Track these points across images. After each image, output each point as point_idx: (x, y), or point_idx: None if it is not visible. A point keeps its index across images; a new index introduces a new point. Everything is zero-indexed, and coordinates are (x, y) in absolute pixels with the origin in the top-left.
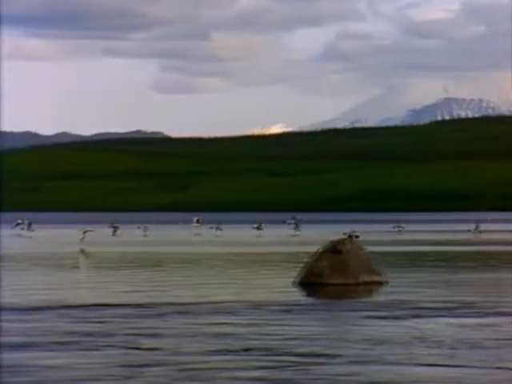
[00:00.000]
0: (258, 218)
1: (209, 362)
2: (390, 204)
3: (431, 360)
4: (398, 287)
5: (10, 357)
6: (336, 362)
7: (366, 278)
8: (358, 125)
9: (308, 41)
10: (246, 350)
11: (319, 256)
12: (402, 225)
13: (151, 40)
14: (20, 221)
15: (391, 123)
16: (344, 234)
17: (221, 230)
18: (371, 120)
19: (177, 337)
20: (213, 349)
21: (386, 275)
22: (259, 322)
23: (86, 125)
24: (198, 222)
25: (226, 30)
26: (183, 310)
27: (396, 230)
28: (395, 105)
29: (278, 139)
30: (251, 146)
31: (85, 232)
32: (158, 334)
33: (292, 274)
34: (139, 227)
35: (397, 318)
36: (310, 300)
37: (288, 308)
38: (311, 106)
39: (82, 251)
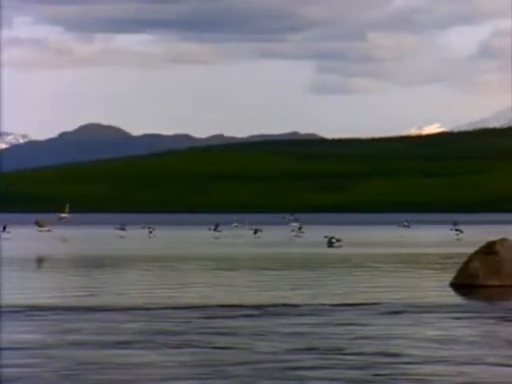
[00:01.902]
0: (409, 217)
1: (283, 360)
2: None
3: None
4: None
5: (98, 354)
6: (397, 362)
7: None
8: None
9: (463, 39)
10: (312, 349)
11: (472, 257)
12: None
13: (307, 41)
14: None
15: None
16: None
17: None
18: None
19: (249, 336)
20: (284, 348)
21: None
22: (345, 322)
23: (241, 127)
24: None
25: (381, 31)
26: (289, 311)
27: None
28: None
29: (434, 139)
30: (408, 147)
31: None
32: (234, 333)
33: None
34: (144, 227)
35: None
36: (449, 301)
37: (399, 309)
38: (466, 105)
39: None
